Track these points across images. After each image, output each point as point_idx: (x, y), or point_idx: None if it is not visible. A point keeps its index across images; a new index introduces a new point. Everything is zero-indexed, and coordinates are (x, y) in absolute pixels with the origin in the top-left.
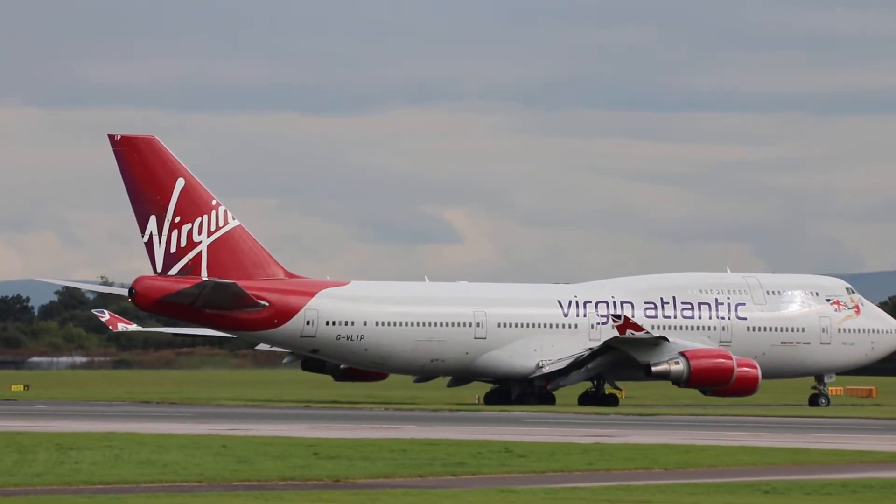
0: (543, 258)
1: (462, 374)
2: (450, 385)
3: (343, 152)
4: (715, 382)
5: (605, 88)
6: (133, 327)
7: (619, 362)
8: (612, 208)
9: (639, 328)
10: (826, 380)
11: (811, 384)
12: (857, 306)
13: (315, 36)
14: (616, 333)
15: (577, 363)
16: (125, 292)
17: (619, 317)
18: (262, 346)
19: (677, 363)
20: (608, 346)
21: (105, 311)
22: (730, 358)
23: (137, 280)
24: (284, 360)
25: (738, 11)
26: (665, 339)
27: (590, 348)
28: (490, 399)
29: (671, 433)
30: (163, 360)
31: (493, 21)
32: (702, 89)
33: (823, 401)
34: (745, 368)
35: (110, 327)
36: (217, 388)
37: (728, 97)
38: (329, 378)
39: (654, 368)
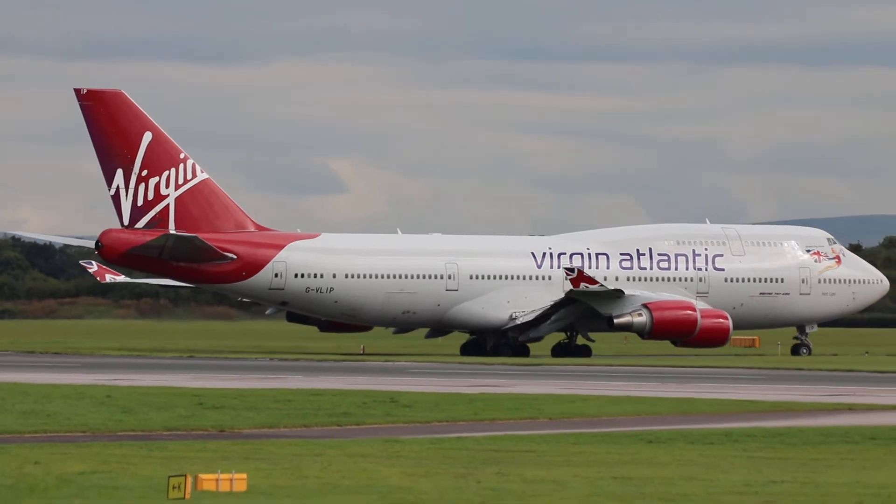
0: (429, 208)
1: (435, 326)
2: (427, 336)
3: (227, 102)
4: (678, 334)
5: (489, 39)
6: (122, 278)
7: (583, 314)
8: (496, 159)
9: (593, 281)
10: (808, 330)
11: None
12: (837, 256)
13: None
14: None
15: (544, 315)
16: (91, 244)
17: (571, 269)
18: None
19: (640, 315)
20: (570, 299)
21: (93, 263)
22: (693, 309)
23: (104, 233)
24: (267, 312)
25: None
26: (621, 291)
27: (553, 300)
28: (466, 350)
29: (557, 383)
30: (46, 310)
31: None
32: (584, 40)
33: (805, 350)
34: (713, 320)
35: (98, 278)
36: (105, 338)
37: (610, 48)
38: (314, 329)
39: (616, 320)
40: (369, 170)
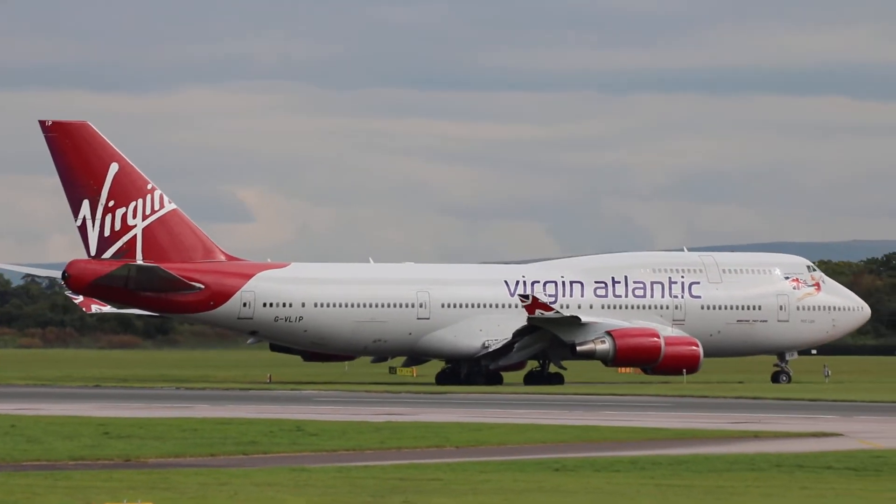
0: (336, 236)
1: (407, 354)
2: (404, 365)
3: (134, 130)
4: (642, 361)
5: (397, 67)
6: (108, 309)
7: (553, 342)
8: (404, 186)
9: (548, 308)
10: (788, 357)
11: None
12: (817, 283)
13: (105, 14)
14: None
15: (510, 343)
16: (59, 275)
17: (526, 296)
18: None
19: (603, 342)
20: (532, 326)
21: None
22: (657, 336)
23: (71, 263)
24: (249, 342)
25: None
26: (577, 318)
27: (517, 329)
28: (441, 379)
29: (463, 411)
30: None
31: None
32: (493, 68)
33: (784, 378)
34: (681, 347)
35: (84, 309)
36: (10, 368)
37: (519, 76)
38: (294, 358)
39: (578, 348)
40: (276, 198)
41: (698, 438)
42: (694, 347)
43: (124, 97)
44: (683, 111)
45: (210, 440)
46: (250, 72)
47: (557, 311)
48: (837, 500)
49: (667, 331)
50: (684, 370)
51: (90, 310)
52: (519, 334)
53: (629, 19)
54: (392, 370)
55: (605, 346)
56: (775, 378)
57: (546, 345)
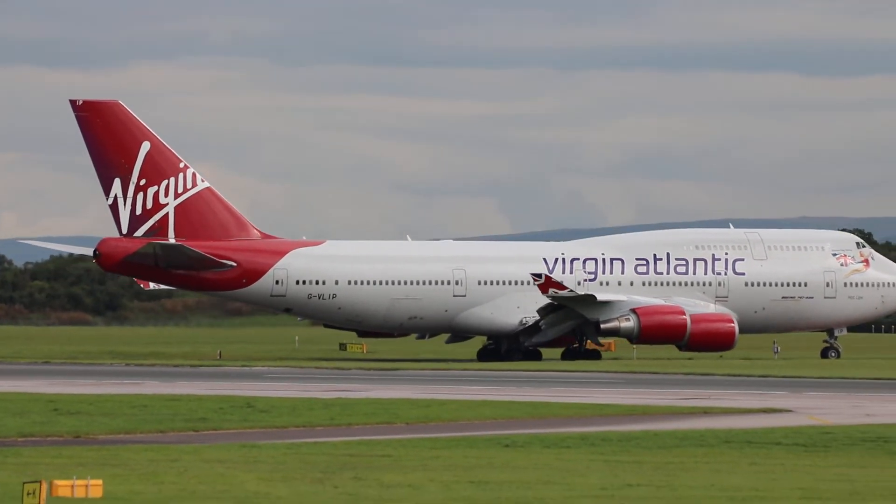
0: (288, 213)
1: (445, 331)
2: (448, 342)
3: None
4: (667, 338)
5: (347, 44)
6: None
7: (571, 319)
8: (356, 163)
9: (561, 287)
10: (837, 333)
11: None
12: (866, 260)
13: None
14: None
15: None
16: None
17: (539, 275)
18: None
19: (628, 320)
20: (556, 304)
21: None
22: (683, 314)
23: (102, 242)
24: (299, 319)
25: None
26: (593, 296)
27: (541, 306)
28: (482, 355)
29: (414, 387)
30: None
31: None
32: (445, 45)
33: (833, 354)
34: (711, 324)
35: (142, 285)
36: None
37: (471, 53)
38: (353, 334)
39: (603, 326)
40: (228, 175)
41: (648, 415)
42: (728, 324)
43: (76, 73)
44: (635, 88)
45: (160, 417)
46: (202, 48)
47: (571, 290)
48: (786, 476)
49: (709, 307)
50: (719, 347)
51: (148, 286)
52: (543, 312)
53: None
54: (342, 346)
55: (629, 323)
56: (824, 353)
57: (578, 322)
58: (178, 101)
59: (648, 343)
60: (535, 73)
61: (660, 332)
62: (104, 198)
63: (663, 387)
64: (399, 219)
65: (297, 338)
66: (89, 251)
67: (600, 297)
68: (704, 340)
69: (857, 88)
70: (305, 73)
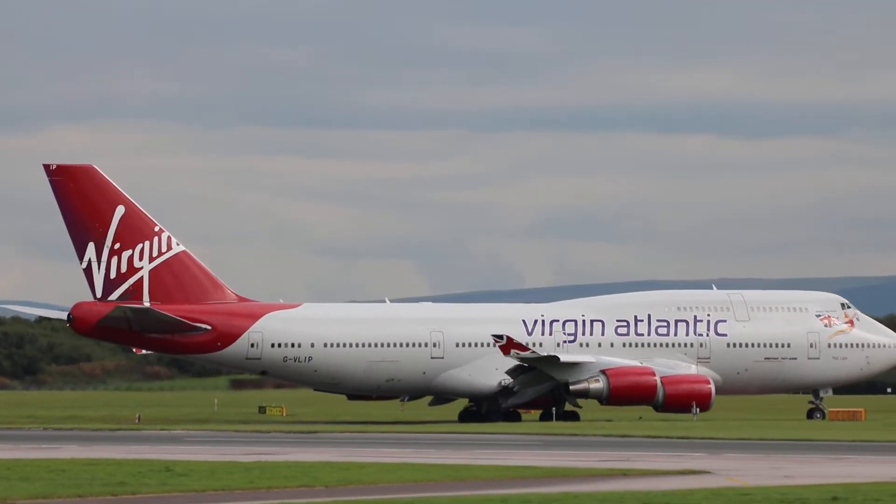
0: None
1: (423, 393)
2: (431, 404)
3: (2, 169)
4: (638, 399)
5: (266, 105)
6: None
7: (542, 380)
8: (276, 225)
9: (523, 348)
10: (822, 394)
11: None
12: (851, 321)
13: None
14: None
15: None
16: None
17: (500, 337)
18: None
19: (597, 381)
20: (525, 366)
21: None
22: (653, 374)
23: (76, 306)
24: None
25: (399, 29)
26: (556, 357)
27: (509, 368)
28: (464, 417)
29: (334, 450)
30: None
31: (151, 37)
32: (362, 106)
33: (819, 415)
34: (686, 385)
35: (133, 350)
36: None
37: (389, 114)
38: (342, 398)
39: (571, 387)
40: None
41: (568, 477)
42: (704, 385)
43: None
44: (551, 149)
45: (78, 481)
46: (118, 111)
47: (533, 352)
48: None
49: (690, 369)
50: (694, 408)
51: (140, 351)
52: (512, 373)
53: (496, 58)
54: (262, 409)
55: (598, 385)
56: (810, 415)
57: (551, 383)
58: (98, 165)
59: (619, 404)
60: (452, 134)
61: (630, 393)
62: (18, 262)
63: (582, 448)
64: (319, 280)
65: (216, 401)
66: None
67: (564, 357)
68: (680, 401)
69: (774, 150)
70: (225, 136)
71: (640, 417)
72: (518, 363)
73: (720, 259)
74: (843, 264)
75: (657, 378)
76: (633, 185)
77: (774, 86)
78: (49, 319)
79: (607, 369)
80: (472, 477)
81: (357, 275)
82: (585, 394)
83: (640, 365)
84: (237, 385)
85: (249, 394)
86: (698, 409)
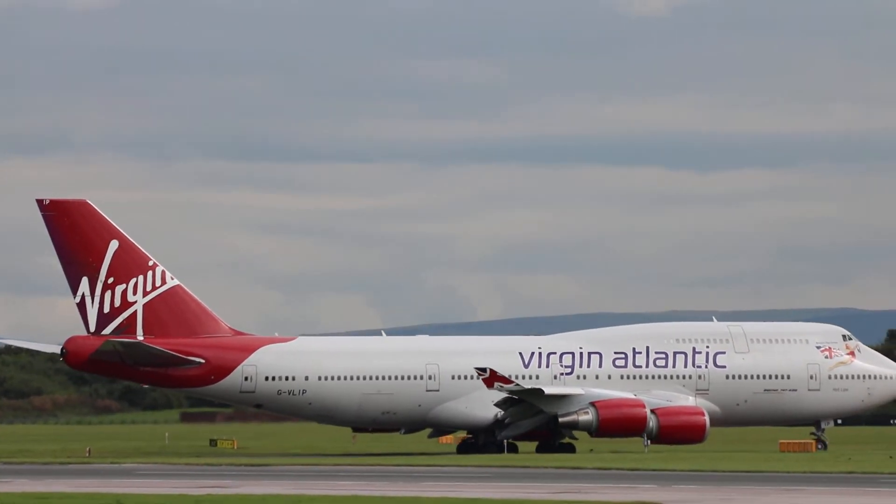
0: None
1: (420, 426)
2: (430, 436)
3: None
4: (627, 431)
5: (219, 139)
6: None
7: (533, 412)
8: (229, 259)
9: (507, 381)
10: (823, 426)
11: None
12: (852, 352)
13: None
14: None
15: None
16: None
17: (483, 370)
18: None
19: (586, 413)
20: (513, 399)
21: None
22: (642, 406)
23: (69, 340)
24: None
25: (353, 61)
26: (540, 390)
27: (497, 401)
28: (462, 449)
29: (285, 483)
30: None
31: (104, 71)
32: (314, 139)
33: (820, 446)
34: (679, 417)
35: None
36: None
37: (343, 147)
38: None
39: (561, 419)
40: None
41: None
42: (698, 417)
43: None
44: (504, 182)
45: None
46: (72, 144)
47: (517, 384)
48: None
49: (688, 400)
50: (645, 439)
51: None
52: (502, 405)
53: (450, 91)
54: (213, 442)
55: (588, 416)
56: None
57: (543, 415)
58: (48, 197)
59: (608, 436)
60: (403, 167)
61: (619, 425)
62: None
63: (535, 480)
64: (272, 313)
65: (167, 434)
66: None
67: (549, 390)
68: (674, 433)
69: (724, 182)
70: (176, 169)
71: (592, 450)
72: (507, 395)
73: (671, 291)
74: (792, 295)
75: (647, 410)
76: (584, 218)
77: (724, 118)
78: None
79: (597, 401)
80: None
81: (310, 307)
82: (575, 426)
83: (629, 397)
84: (188, 418)
85: (200, 427)
86: (649, 442)
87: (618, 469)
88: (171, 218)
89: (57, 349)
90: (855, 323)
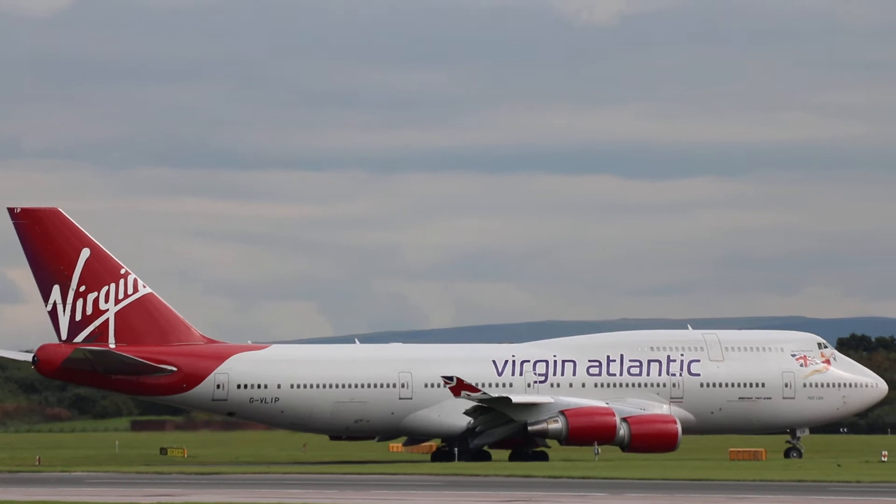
0: None
1: (393, 434)
2: (406, 444)
3: None
4: (596, 439)
5: (165, 146)
6: None
7: (503, 421)
8: (176, 266)
9: (474, 389)
10: (799, 434)
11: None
12: (827, 360)
13: None
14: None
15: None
16: (29, 358)
17: (450, 378)
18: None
19: (556, 421)
20: (483, 407)
21: None
22: (612, 414)
23: (41, 348)
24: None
25: (302, 70)
26: (507, 398)
27: (466, 410)
28: (436, 457)
29: (235, 491)
30: None
31: (48, 79)
32: (263, 147)
33: (795, 454)
34: (650, 425)
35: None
36: None
37: (289, 155)
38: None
39: (530, 428)
40: None
41: None
42: (670, 425)
43: None
44: (455, 190)
45: None
46: (15, 152)
47: (484, 393)
48: None
49: (662, 409)
50: (595, 447)
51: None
52: (472, 413)
53: (399, 99)
54: (163, 451)
55: (557, 425)
56: (787, 454)
57: (514, 423)
58: None
59: (578, 444)
60: (352, 175)
61: (588, 433)
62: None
63: (486, 489)
64: (220, 321)
65: (117, 442)
66: None
67: (517, 398)
68: (645, 442)
69: (675, 190)
70: (122, 177)
71: (597, 454)
72: (476, 404)
73: (623, 299)
74: (743, 304)
75: (616, 418)
76: (535, 226)
77: (677, 127)
78: None
79: (566, 409)
80: None
81: (259, 316)
82: (545, 434)
83: (599, 405)
84: (138, 426)
85: (150, 435)
86: (599, 450)
87: (568, 477)
88: (118, 226)
89: (8, 355)
90: (804, 331)
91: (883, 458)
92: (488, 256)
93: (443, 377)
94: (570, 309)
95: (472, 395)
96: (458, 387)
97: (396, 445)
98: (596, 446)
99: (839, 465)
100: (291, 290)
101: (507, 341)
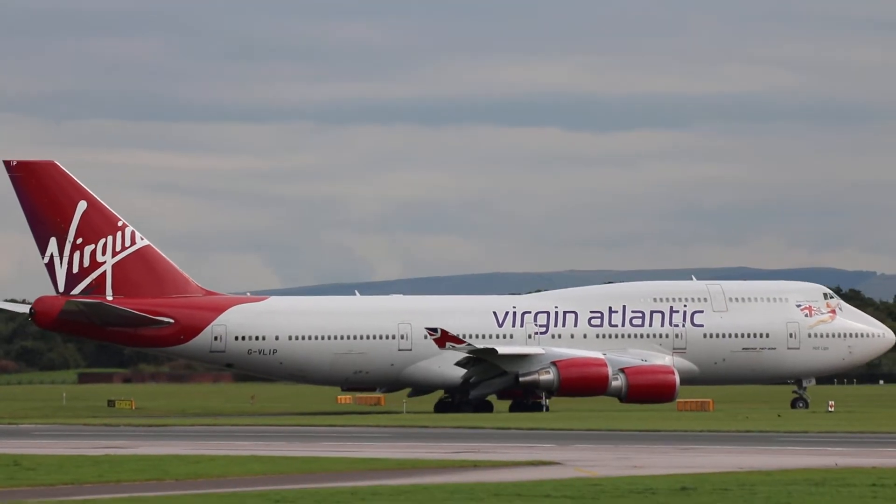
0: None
1: (393, 385)
2: (410, 395)
3: None
4: (589, 390)
5: (110, 99)
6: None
7: (497, 372)
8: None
9: (459, 341)
10: (805, 384)
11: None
12: (833, 310)
13: None
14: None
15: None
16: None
17: (434, 330)
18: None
19: (547, 372)
20: (473, 358)
21: None
22: (604, 366)
23: (38, 300)
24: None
25: (248, 23)
26: (494, 350)
27: (457, 361)
28: (439, 408)
29: (184, 444)
30: None
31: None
32: (208, 99)
33: (801, 404)
34: (647, 375)
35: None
36: None
37: (234, 107)
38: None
39: (521, 379)
40: None
41: (418, 468)
42: (667, 375)
43: None
44: (400, 142)
45: None
46: None
47: (469, 344)
48: None
49: (664, 359)
50: (659, 398)
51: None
52: (462, 365)
53: (344, 52)
54: (111, 403)
55: (549, 376)
56: (793, 404)
57: (507, 374)
58: None
59: (570, 395)
60: (297, 127)
61: (580, 384)
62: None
63: (433, 440)
64: None
65: (64, 394)
66: None
67: (503, 350)
68: (643, 392)
69: (620, 143)
70: (67, 128)
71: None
72: (467, 355)
73: (568, 251)
74: (689, 255)
75: (608, 369)
76: (480, 178)
77: (620, 79)
78: None
79: (558, 360)
80: (322, 469)
81: (206, 268)
82: (536, 385)
83: (592, 355)
84: (85, 379)
85: (98, 387)
86: (548, 401)
87: (517, 429)
88: None
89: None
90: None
91: (830, 409)
92: (433, 209)
93: (426, 328)
94: (516, 261)
95: (457, 346)
96: (443, 338)
97: (345, 397)
98: (544, 398)
99: (779, 416)
100: (237, 242)
101: (454, 293)
